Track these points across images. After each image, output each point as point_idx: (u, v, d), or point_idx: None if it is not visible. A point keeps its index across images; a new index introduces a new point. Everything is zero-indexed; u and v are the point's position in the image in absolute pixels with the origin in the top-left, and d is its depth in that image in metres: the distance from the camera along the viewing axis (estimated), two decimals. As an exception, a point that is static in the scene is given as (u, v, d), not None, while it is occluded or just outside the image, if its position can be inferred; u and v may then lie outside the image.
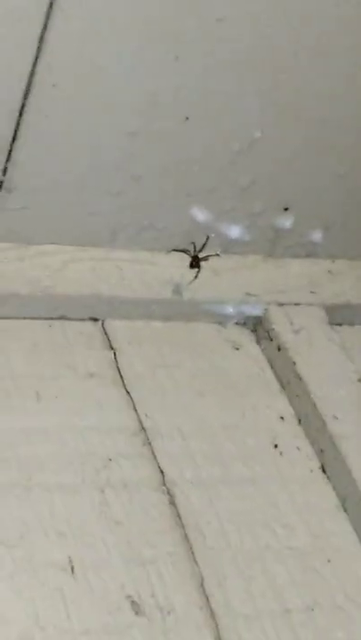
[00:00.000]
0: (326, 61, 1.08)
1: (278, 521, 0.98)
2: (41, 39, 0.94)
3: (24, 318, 1.07)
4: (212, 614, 0.88)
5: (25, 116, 0.99)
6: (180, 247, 1.15)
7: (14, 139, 1.01)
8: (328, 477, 1.04)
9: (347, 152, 1.16)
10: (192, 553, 0.92)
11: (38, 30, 0.94)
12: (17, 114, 0.99)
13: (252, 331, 1.17)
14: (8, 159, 1.02)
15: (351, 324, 1.21)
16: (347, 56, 1.08)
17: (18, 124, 1.00)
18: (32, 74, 0.96)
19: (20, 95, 0.98)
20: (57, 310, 1.08)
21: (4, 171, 1.03)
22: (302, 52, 1.05)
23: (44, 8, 0.92)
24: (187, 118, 1.05)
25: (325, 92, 1.10)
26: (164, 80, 1.02)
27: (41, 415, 0.99)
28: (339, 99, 1.11)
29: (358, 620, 0.92)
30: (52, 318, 1.08)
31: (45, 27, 0.94)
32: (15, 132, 1.00)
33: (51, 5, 0.92)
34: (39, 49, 0.95)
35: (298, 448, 1.06)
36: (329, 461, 1.04)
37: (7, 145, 1.01)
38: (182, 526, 0.94)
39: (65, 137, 1.02)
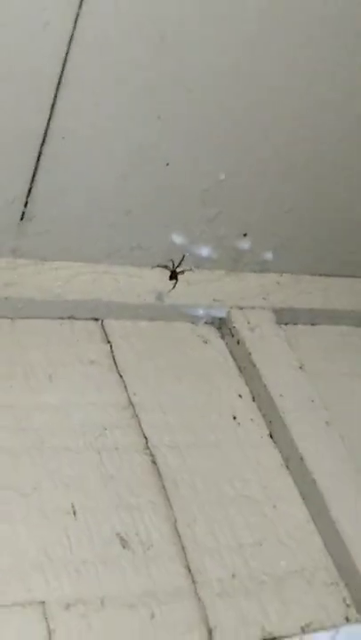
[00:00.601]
0: (278, 115, 1.07)
1: (237, 476, 0.98)
2: (54, 101, 0.94)
3: (40, 318, 1.07)
4: (183, 548, 0.89)
5: (41, 162, 0.99)
6: (162, 264, 1.15)
7: (33, 179, 1.01)
8: (275, 442, 1.04)
9: (293, 193, 1.15)
10: (168, 501, 0.93)
11: (51, 98, 0.94)
12: (35, 160, 0.99)
13: (217, 328, 1.16)
14: (29, 194, 1.02)
15: (295, 323, 1.21)
16: (294, 105, 1.07)
17: (36, 169, 0.99)
18: (47, 128, 0.96)
19: (37, 144, 0.98)
20: (66, 312, 1.08)
21: (26, 204, 1.02)
22: (256, 109, 1.05)
23: (55, 80, 0.93)
24: (167, 164, 1.06)
25: (280, 142, 1.09)
26: (150, 134, 1.02)
27: (52, 393, 0.98)
28: (290, 149, 1.11)
29: (297, 552, 0.93)
30: (62, 318, 1.08)
31: (56, 96, 0.94)
32: (34, 174, 1.00)
33: (60, 80, 0.93)
34: (52, 109, 0.95)
35: (252, 420, 1.06)
36: (276, 429, 1.04)
37: (28, 184, 1.01)
38: (161, 480, 0.94)
39: (72, 179, 1.02)
